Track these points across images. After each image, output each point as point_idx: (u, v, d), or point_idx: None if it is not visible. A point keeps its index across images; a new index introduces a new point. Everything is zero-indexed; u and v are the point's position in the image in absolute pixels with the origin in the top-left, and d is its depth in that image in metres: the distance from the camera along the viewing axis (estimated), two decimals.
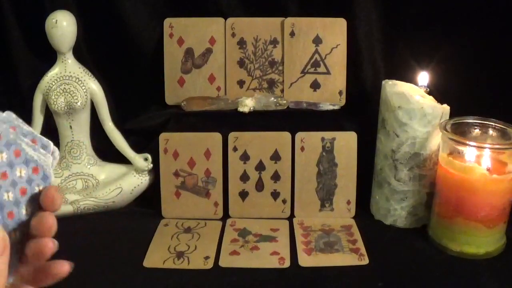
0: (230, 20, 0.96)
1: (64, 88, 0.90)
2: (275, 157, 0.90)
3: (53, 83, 0.90)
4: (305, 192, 0.90)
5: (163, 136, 0.90)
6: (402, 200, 0.86)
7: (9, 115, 0.44)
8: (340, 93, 0.97)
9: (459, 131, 0.81)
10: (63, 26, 0.87)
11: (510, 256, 0.80)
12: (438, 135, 0.82)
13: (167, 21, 0.96)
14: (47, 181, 0.47)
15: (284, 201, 0.91)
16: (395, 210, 0.87)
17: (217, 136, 0.89)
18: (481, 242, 0.79)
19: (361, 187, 0.91)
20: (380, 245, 0.83)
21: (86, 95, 0.91)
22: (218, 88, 0.98)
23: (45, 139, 0.47)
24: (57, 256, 0.81)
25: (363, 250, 0.81)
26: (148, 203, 0.94)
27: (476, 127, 0.83)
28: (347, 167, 0.90)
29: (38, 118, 0.92)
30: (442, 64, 0.92)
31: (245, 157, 0.90)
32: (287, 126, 0.90)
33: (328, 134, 0.89)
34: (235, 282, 0.74)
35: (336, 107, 0.96)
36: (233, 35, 0.96)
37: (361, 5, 0.94)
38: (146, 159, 0.93)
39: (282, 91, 0.97)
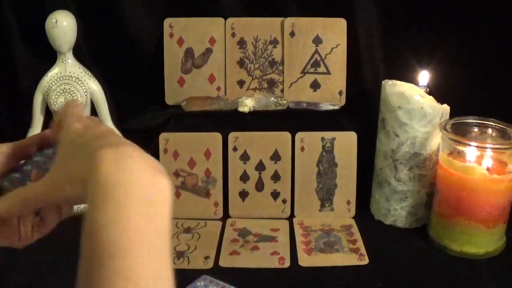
0: (230, 20, 0.96)
1: (64, 88, 0.90)
2: (275, 157, 0.89)
3: (53, 83, 0.90)
4: (305, 192, 0.90)
5: (163, 136, 0.90)
6: (402, 200, 0.86)
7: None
8: (340, 93, 0.97)
9: (459, 131, 0.81)
10: (63, 26, 0.87)
11: (510, 256, 0.80)
12: (438, 135, 0.82)
13: (167, 21, 0.96)
14: None
15: (284, 201, 0.91)
16: (395, 210, 0.87)
17: (217, 136, 0.89)
18: (481, 242, 0.79)
19: (361, 187, 0.91)
20: (380, 245, 0.83)
21: (86, 95, 0.91)
22: (218, 88, 0.98)
23: None
24: (57, 255, 0.81)
25: (363, 250, 0.81)
26: None
27: (476, 127, 0.83)
28: (347, 167, 0.90)
29: (38, 118, 0.92)
30: (442, 64, 0.92)
31: (245, 157, 0.89)
32: (287, 126, 0.90)
33: (328, 134, 0.89)
34: (235, 282, 0.74)
35: (336, 107, 0.96)
36: (233, 35, 0.96)
37: (361, 5, 0.94)
38: None
39: (282, 91, 0.97)
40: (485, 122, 0.83)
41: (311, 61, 0.96)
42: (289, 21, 0.96)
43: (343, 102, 0.97)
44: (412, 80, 0.87)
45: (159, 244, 0.38)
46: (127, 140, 0.44)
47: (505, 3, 0.90)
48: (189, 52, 0.97)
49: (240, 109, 0.94)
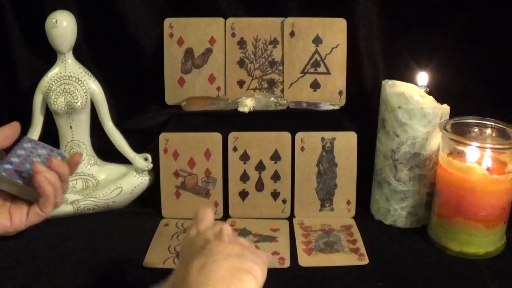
0: (230, 20, 0.96)
1: (64, 88, 0.90)
2: (275, 157, 0.90)
3: (53, 83, 0.90)
4: (305, 192, 0.90)
5: (163, 136, 0.90)
6: (402, 200, 0.86)
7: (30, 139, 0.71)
8: (340, 93, 0.97)
9: (459, 131, 0.81)
10: (63, 26, 0.87)
11: (510, 256, 0.80)
12: (438, 135, 0.82)
13: (167, 21, 0.96)
14: (62, 155, 0.71)
15: (284, 201, 0.91)
16: (395, 210, 0.87)
17: (217, 136, 0.89)
18: (481, 242, 0.79)
19: (361, 187, 0.91)
20: (380, 245, 0.83)
21: (86, 95, 0.91)
22: (218, 88, 0.98)
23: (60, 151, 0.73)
24: (57, 254, 0.81)
25: (363, 250, 0.81)
26: (148, 203, 0.94)
27: (476, 127, 0.83)
28: (347, 167, 0.90)
29: (38, 118, 0.92)
30: (442, 64, 0.92)
31: (245, 157, 0.90)
32: (287, 126, 0.90)
33: (328, 134, 0.89)
34: None
35: (336, 107, 0.96)
36: (233, 35, 0.96)
37: (361, 5, 0.94)
38: (146, 159, 0.93)
39: (282, 91, 0.97)
40: (485, 122, 0.83)
41: (311, 61, 0.96)
42: (289, 21, 0.96)
43: (343, 102, 0.97)
44: (412, 80, 0.87)
45: None
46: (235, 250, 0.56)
47: (505, 3, 0.90)
48: (189, 52, 0.97)
49: (240, 109, 0.94)
